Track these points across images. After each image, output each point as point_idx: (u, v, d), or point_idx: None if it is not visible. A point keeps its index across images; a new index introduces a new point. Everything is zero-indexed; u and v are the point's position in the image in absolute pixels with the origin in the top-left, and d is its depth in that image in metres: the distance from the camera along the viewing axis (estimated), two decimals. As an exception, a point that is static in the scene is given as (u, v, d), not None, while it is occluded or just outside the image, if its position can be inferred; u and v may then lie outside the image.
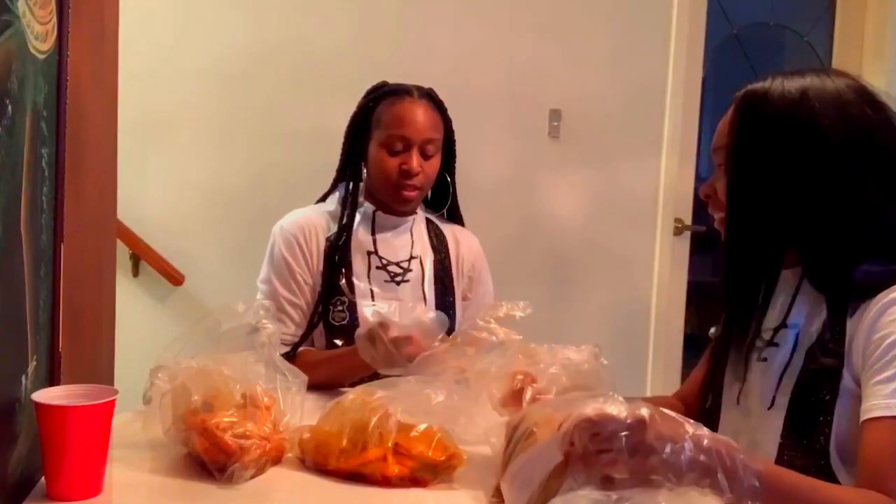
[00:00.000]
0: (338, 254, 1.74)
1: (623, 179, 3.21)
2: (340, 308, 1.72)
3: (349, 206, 1.77)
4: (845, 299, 1.14)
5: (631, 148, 3.22)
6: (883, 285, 1.11)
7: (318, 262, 1.75)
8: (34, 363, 1.08)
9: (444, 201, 1.89)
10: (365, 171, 1.81)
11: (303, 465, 1.20)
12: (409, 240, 1.82)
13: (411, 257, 1.80)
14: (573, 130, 3.13)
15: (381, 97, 1.78)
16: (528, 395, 1.18)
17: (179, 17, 2.78)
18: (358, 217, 1.79)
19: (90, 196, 1.36)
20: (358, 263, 1.76)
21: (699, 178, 3.38)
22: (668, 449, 0.91)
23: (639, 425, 0.91)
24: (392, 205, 1.79)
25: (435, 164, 1.78)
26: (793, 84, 1.17)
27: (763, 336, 1.23)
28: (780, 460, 1.14)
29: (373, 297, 1.75)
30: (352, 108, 1.82)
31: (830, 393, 1.12)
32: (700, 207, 3.31)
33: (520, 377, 1.23)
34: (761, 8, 3.62)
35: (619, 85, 3.16)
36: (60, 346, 1.17)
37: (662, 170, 3.27)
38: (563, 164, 3.14)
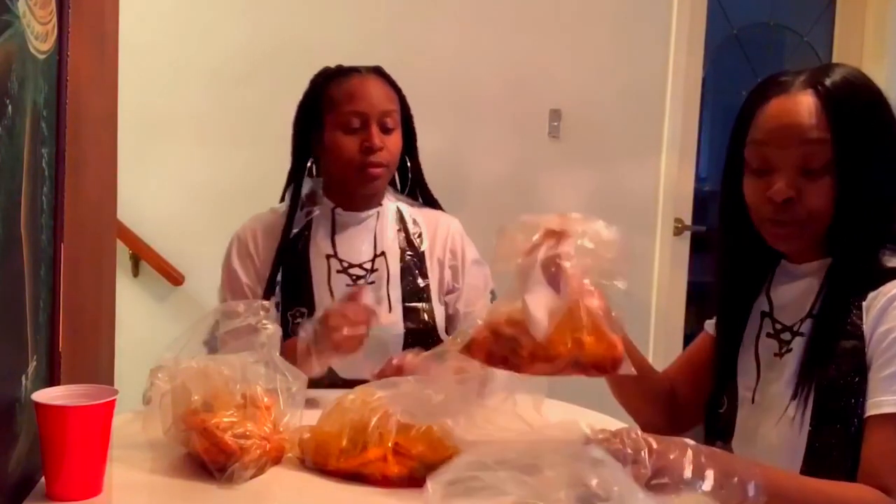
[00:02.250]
0: (294, 260, 1.66)
1: (623, 179, 3.21)
2: (300, 319, 1.60)
3: (305, 204, 1.69)
4: (867, 287, 1.13)
5: (631, 148, 3.22)
6: (893, 274, 1.11)
7: (268, 266, 1.67)
8: (34, 363, 1.08)
9: (406, 184, 1.79)
10: (321, 164, 1.73)
11: (303, 465, 1.19)
12: (371, 237, 1.70)
13: (375, 256, 1.69)
14: (573, 130, 3.13)
15: (327, 80, 1.70)
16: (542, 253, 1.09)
17: (180, 16, 2.78)
18: (315, 216, 1.70)
19: (90, 196, 1.36)
20: (317, 269, 1.67)
21: (699, 179, 3.38)
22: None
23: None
24: (358, 189, 1.68)
25: (396, 139, 1.68)
26: (858, 74, 1.18)
27: (792, 328, 1.21)
28: (811, 449, 1.12)
29: None
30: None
31: (859, 374, 1.10)
32: (700, 207, 3.34)
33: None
34: (761, 8, 3.62)
35: (619, 85, 3.16)
36: (60, 346, 1.17)
37: (662, 170, 3.27)
38: (563, 164, 3.14)
